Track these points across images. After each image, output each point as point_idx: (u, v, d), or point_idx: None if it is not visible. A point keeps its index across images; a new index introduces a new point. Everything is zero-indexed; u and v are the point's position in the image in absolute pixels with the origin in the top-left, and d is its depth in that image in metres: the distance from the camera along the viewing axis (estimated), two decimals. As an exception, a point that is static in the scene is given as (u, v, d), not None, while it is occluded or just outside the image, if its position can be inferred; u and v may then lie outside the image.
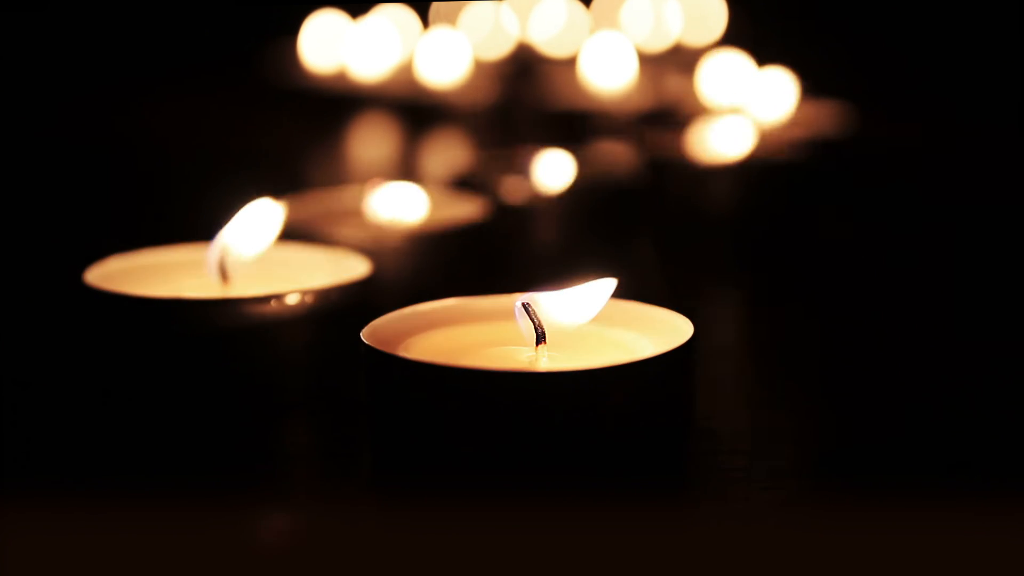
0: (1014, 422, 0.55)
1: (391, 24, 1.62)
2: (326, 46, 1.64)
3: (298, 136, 1.37)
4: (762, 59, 1.26)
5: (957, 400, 0.58)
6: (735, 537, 0.45)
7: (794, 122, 1.07)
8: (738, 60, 1.30)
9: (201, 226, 0.62)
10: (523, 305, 0.51)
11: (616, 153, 0.97)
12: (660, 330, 0.52)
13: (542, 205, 0.83)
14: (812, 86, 1.17)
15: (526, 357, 0.51)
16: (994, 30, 1.46)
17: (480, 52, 1.54)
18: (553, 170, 0.87)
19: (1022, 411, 0.56)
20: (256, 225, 0.61)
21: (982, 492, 0.48)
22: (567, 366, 0.49)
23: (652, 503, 0.47)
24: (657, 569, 0.42)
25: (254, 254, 0.61)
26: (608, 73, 1.34)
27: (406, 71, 1.49)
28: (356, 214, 0.76)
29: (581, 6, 1.81)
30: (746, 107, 1.10)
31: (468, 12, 1.77)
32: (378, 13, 1.68)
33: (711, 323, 0.72)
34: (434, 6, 1.79)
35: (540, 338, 0.51)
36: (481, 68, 1.51)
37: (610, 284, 0.51)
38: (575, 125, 1.20)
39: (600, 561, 0.42)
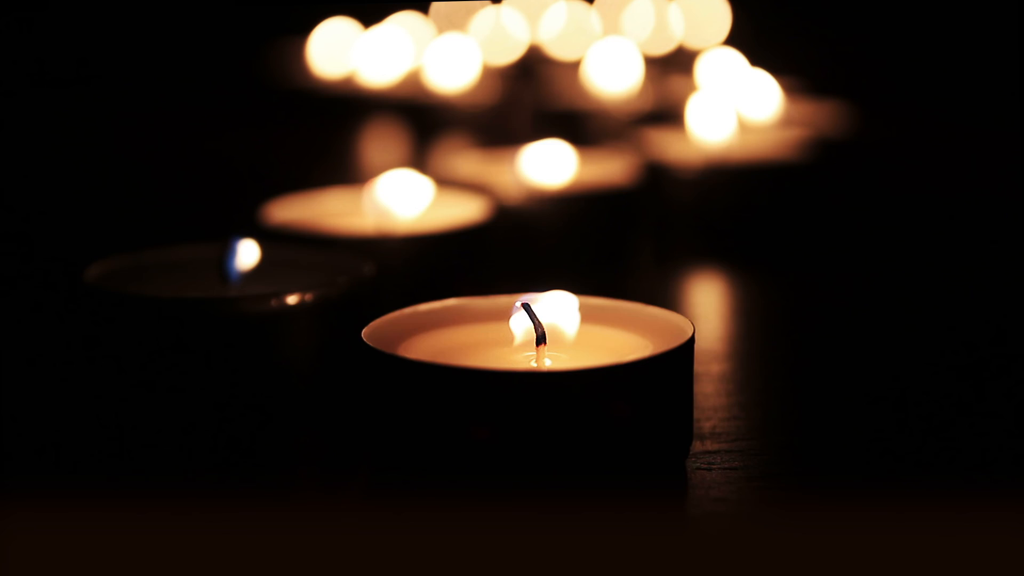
0: (1014, 421, 0.54)
1: (403, 31, 1.61)
2: (336, 52, 1.63)
3: (302, 138, 1.37)
4: (757, 58, 1.26)
5: (957, 400, 0.58)
6: (733, 537, 0.45)
7: (788, 121, 1.07)
8: (733, 58, 1.30)
9: (202, 226, 0.62)
10: (523, 306, 0.51)
11: (616, 154, 0.97)
12: (660, 330, 0.52)
13: (542, 205, 0.83)
14: (810, 85, 1.17)
15: (526, 357, 0.51)
16: (993, 30, 1.46)
17: (487, 56, 1.54)
18: (553, 170, 0.87)
19: (1021, 410, 0.56)
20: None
21: (981, 492, 0.48)
22: (567, 366, 0.49)
23: (652, 503, 0.47)
24: (657, 569, 0.42)
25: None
26: (612, 75, 1.34)
27: (415, 77, 1.49)
28: (357, 215, 0.76)
29: (587, 8, 1.81)
30: (739, 105, 1.10)
31: (476, 17, 1.76)
32: (391, 21, 1.67)
33: (710, 323, 0.73)
34: (436, 6, 1.79)
35: (540, 339, 0.51)
36: (489, 72, 1.51)
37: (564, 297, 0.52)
38: (576, 126, 1.20)
39: (600, 561, 0.42)
